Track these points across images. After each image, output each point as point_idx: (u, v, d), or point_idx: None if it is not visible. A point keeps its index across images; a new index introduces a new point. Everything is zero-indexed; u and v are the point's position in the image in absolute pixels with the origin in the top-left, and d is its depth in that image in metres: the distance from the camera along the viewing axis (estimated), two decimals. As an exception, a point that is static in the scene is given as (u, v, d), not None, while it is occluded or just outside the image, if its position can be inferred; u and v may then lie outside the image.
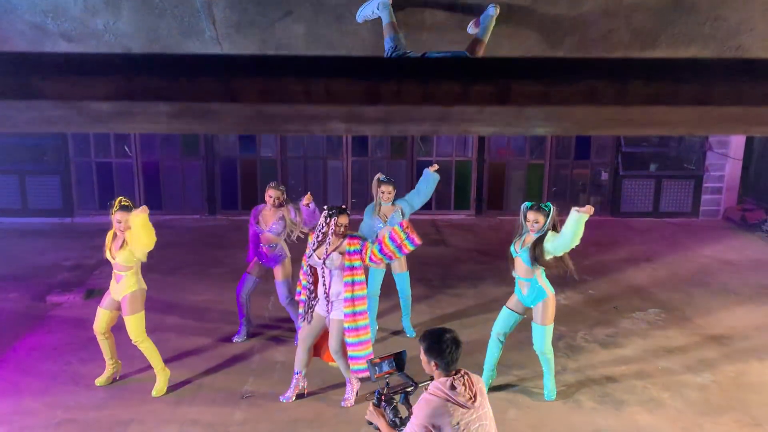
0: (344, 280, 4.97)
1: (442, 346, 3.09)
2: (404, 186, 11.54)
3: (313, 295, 5.12)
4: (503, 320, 5.37)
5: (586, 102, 1.49)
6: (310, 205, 5.89)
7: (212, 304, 7.33)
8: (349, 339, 5.03)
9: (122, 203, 5.13)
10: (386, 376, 3.38)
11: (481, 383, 3.20)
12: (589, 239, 10.32)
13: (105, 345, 5.49)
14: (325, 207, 5.05)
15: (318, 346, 5.35)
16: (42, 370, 5.78)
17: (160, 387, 5.41)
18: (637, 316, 7.22)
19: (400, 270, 6.39)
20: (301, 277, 5.21)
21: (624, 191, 11.82)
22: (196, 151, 11.42)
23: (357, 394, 5.31)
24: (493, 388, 5.52)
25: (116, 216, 5.11)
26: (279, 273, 6.18)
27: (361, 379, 5.23)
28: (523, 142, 11.79)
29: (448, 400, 3.03)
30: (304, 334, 5.24)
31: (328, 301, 5.07)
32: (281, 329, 6.66)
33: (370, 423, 3.38)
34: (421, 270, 6.47)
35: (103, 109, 1.51)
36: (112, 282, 5.33)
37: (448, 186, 11.67)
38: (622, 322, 7.06)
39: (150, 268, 6.69)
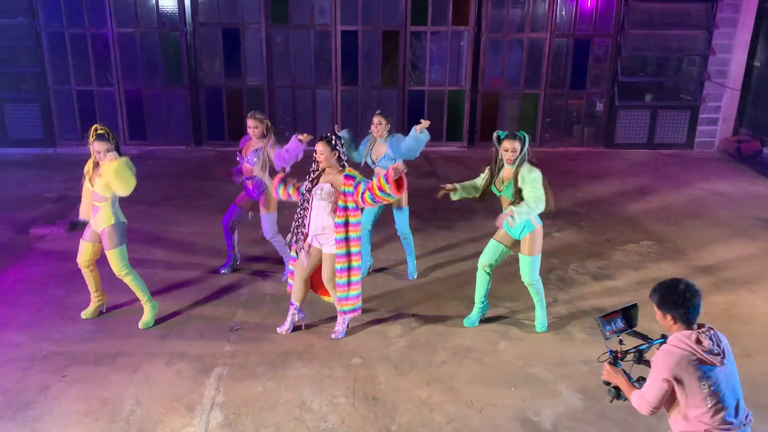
0: (336, 221, 4.85)
1: (677, 297, 2.84)
2: (395, 116, 11.30)
3: (302, 224, 4.99)
4: (490, 252, 5.27)
5: None
6: (303, 142, 5.62)
7: (199, 237, 7.20)
8: (339, 279, 4.96)
9: (98, 131, 4.90)
10: (618, 333, 3.12)
11: (726, 340, 2.92)
12: (582, 171, 10.28)
13: (90, 278, 5.38)
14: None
15: (313, 281, 5.26)
16: (27, 302, 5.68)
17: (147, 319, 5.33)
18: (629, 249, 7.17)
19: (398, 205, 6.04)
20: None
21: (619, 122, 11.62)
22: (180, 80, 11.04)
23: (348, 326, 5.26)
24: (483, 321, 5.49)
25: (94, 146, 4.90)
26: (263, 205, 6.00)
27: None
28: (517, 71, 11.47)
29: (694, 354, 2.78)
30: (298, 266, 5.13)
31: (304, 233, 4.97)
32: (270, 261, 6.56)
33: (607, 384, 3.15)
34: (412, 203, 6.33)
35: None
36: (90, 214, 5.17)
37: (440, 117, 11.41)
38: (615, 254, 7.02)
39: (135, 200, 6.54)
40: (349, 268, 4.96)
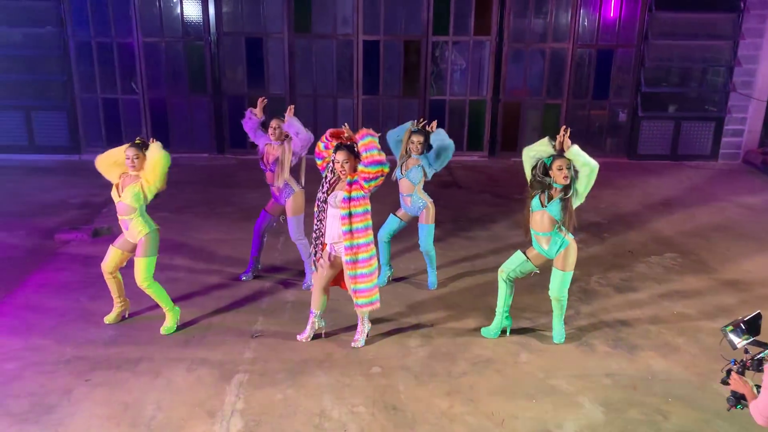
0: (342, 228, 4.82)
1: None
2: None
3: (320, 234, 5.00)
4: (514, 263, 5.22)
5: None
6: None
7: (220, 244, 7.25)
8: (354, 286, 4.96)
9: (136, 141, 5.11)
10: (744, 342, 3.08)
11: None
12: (605, 182, 10.18)
13: (112, 284, 5.44)
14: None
15: (338, 277, 5.25)
16: (51, 307, 5.76)
17: (169, 325, 5.38)
18: (652, 261, 7.08)
19: (425, 221, 5.99)
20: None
21: (642, 133, 11.51)
22: (204, 89, 11.17)
23: (367, 335, 5.25)
24: (504, 331, 5.44)
25: (128, 152, 5.05)
26: (289, 208, 6.04)
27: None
28: (539, 80, 11.43)
29: None
30: (317, 275, 5.14)
31: (321, 242, 4.96)
32: (291, 270, 6.58)
33: (734, 393, 3.10)
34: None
35: None
36: (123, 228, 5.26)
37: (461, 127, 11.41)
38: (638, 266, 6.94)
39: (158, 207, 6.60)
40: (355, 276, 4.92)
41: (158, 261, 5.34)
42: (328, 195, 4.88)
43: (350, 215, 4.79)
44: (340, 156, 4.76)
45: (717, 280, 6.62)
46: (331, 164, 4.85)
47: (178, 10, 10.84)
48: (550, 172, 4.91)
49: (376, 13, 10.94)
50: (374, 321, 5.49)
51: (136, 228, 5.16)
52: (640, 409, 4.49)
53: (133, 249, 5.27)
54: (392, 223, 6.19)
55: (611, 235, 7.87)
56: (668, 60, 11.33)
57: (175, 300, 5.58)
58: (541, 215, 5.00)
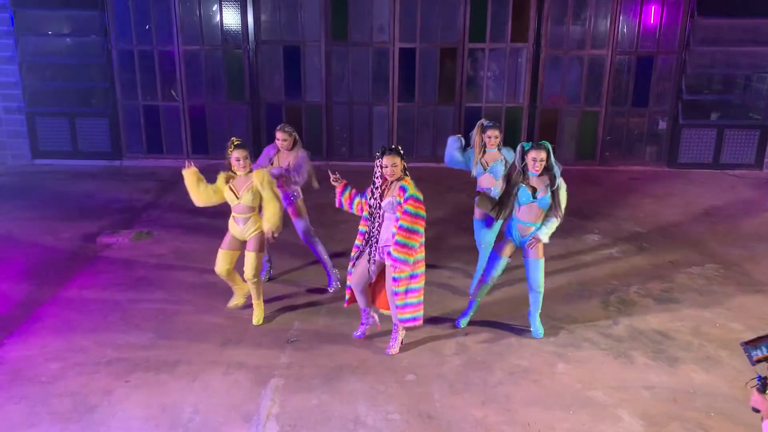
0: (393, 231, 4.83)
1: None
2: (451, 133, 11.27)
3: (375, 239, 4.99)
4: (501, 269, 5.38)
5: None
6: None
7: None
8: (396, 288, 4.93)
9: (236, 142, 5.34)
10: (762, 356, 3.00)
11: None
12: (644, 191, 10.01)
13: (229, 279, 5.72)
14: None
15: (374, 292, 5.27)
16: (93, 309, 5.89)
17: (258, 317, 5.65)
18: (693, 272, 6.92)
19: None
20: (361, 222, 5.11)
21: (683, 141, 11.28)
22: (242, 96, 11.31)
23: (402, 342, 5.24)
24: (541, 342, 5.39)
25: (234, 154, 5.27)
26: (295, 212, 6.22)
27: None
28: (577, 88, 11.30)
29: None
30: (355, 279, 5.15)
31: (376, 246, 4.97)
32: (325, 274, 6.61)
33: (756, 410, 3.07)
34: (467, 220, 6.30)
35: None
36: (232, 224, 5.49)
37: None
38: (678, 277, 6.79)
39: (197, 212, 6.72)
40: (409, 277, 4.92)
41: (196, 266, 5.44)
42: (382, 199, 4.88)
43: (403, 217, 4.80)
44: (387, 161, 4.77)
45: (761, 293, 6.43)
46: (379, 170, 4.85)
47: (218, 19, 11.03)
48: (526, 158, 5.04)
49: (413, 21, 10.96)
50: (408, 328, 5.47)
51: (253, 225, 5.39)
52: (681, 423, 4.38)
53: (240, 246, 5.52)
54: (479, 225, 6.18)
55: (651, 245, 7.72)
56: (710, 67, 11.09)
57: (213, 304, 5.66)
58: (529, 206, 5.12)
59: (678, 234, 8.11)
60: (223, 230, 7.70)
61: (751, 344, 3.02)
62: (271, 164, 6.16)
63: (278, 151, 6.16)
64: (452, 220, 8.21)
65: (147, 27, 10.94)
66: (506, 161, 5.93)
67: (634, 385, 4.83)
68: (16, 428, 4.23)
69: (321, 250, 6.28)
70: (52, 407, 4.43)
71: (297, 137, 6.15)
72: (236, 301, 5.85)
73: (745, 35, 10.82)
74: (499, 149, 6.02)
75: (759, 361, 3.01)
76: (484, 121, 6.08)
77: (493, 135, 5.96)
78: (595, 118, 11.35)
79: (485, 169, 6.02)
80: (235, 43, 11.12)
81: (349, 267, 5.17)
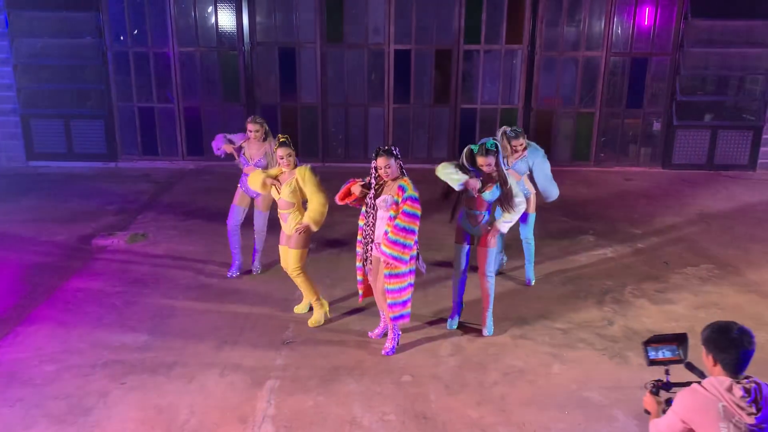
0: (386, 229, 4.89)
1: (728, 341, 2.59)
2: (446, 134, 11.32)
3: (371, 238, 5.04)
4: (466, 257, 5.49)
5: None
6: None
7: (251, 251, 7.30)
8: (390, 285, 4.95)
9: (281, 140, 5.37)
10: (666, 363, 2.94)
11: None
12: (639, 191, 10.05)
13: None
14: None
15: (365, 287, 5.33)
16: (88, 311, 5.88)
17: (317, 318, 5.61)
18: (688, 272, 6.95)
19: (529, 210, 6.28)
20: (360, 218, 5.15)
21: (677, 142, 11.33)
22: (237, 98, 11.32)
23: (398, 343, 5.25)
24: (537, 343, 5.40)
25: (278, 152, 5.35)
26: (260, 204, 6.41)
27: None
28: (572, 89, 11.34)
29: (721, 401, 2.55)
30: (372, 278, 5.20)
31: (372, 242, 5.03)
32: (324, 277, 6.61)
33: (647, 412, 3.01)
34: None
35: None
36: (281, 221, 5.56)
37: (492, 135, 11.29)
38: (673, 277, 6.82)
39: (193, 214, 6.73)
40: (401, 274, 4.94)
41: (191, 268, 5.43)
42: (376, 197, 4.94)
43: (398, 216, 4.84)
44: (381, 162, 4.83)
45: (756, 293, 6.47)
46: (374, 171, 4.92)
47: (213, 20, 11.03)
48: (477, 161, 5.19)
49: (408, 23, 10.99)
50: (405, 329, 5.49)
51: (293, 221, 5.43)
52: (676, 423, 4.40)
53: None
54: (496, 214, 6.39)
55: (646, 245, 7.75)
56: (704, 68, 11.14)
57: (209, 305, 5.66)
58: (476, 198, 5.27)
59: (672, 235, 8.14)
60: (219, 232, 7.72)
61: (650, 344, 2.97)
62: (238, 150, 6.36)
63: (248, 140, 6.36)
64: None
65: (135, 32, 10.94)
66: (527, 162, 6.18)
67: (630, 385, 4.84)
68: (11, 431, 4.22)
69: (261, 243, 6.55)
70: (48, 410, 4.42)
71: (268, 129, 6.37)
72: (300, 305, 5.92)
73: (739, 37, 10.88)
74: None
75: (654, 363, 2.96)
76: (507, 129, 6.27)
77: (518, 144, 6.17)
78: (590, 120, 11.39)
79: (509, 165, 6.22)
80: (231, 44, 11.12)
81: (357, 262, 5.21)
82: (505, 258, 6.79)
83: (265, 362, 5.07)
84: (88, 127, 11.30)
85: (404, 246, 4.82)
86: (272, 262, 6.77)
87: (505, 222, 5.30)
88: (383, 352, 5.20)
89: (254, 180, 5.56)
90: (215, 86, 11.38)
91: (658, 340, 2.99)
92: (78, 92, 11.22)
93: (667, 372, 2.96)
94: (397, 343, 5.25)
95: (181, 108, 11.32)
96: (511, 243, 6.93)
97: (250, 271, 6.72)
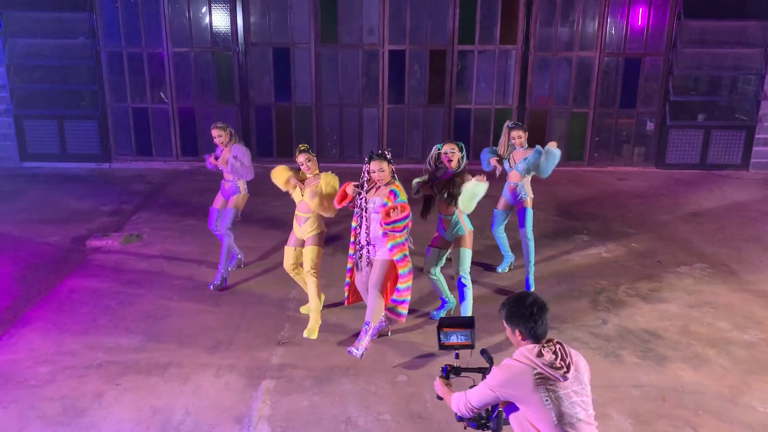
0: (381, 232, 4.97)
1: (524, 311, 2.75)
2: (440, 134, 11.33)
3: (358, 238, 5.12)
4: (435, 260, 5.57)
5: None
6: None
7: (248, 251, 7.29)
8: (402, 285, 5.02)
9: (301, 149, 5.41)
10: (455, 347, 3.04)
11: (579, 357, 2.78)
12: (632, 191, 10.08)
13: (299, 279, 5.75)
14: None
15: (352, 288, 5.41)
16: (82, 311, 5.86)
17: (311, 327, 5.50)
18: (682, 271, 6.98)
19: (528, 206, 6.44)
20: (353, 219, 5.21)
21: (670, 142, 11.38)
22: (231, 98, 11.30)
23: (366, 349, 5.11)
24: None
25: (298, 159, 5.38)
26: (232, 201, 6.42)
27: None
28: (566, 89, 11.38)
29: (535, 368, 2.65)
30: (360, 287, 5.29)
31: (368, 243, 5.08)
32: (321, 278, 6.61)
33: (440, 398, 3.13)
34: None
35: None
36: (295, 221, 5.56)
37: (486, 135, 11.38)
38: (666, 276, 6.85)
39: (188, 214, 6.71)
40: (402, 273, 5.01)
41: (186, 268, 5.42)
42: (367, 200, 5.01)
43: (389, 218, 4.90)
44: (375, 166, 4.92)
45: (748, 291, 6.50)
46: (366, 174, 4.99)
47: (207, 21, 11.01)
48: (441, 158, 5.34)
49: (402, 23, 11.00)
50: (400, 328, 5.50)
51: (309, 225, 5.46)
52: (669, 422, 4.42)
53: (302, 244, 5.56)
54: (499, 216, 6.67)
55: (639, 244, 7.78)
56: (697, 68, 11.19)
57: (203, 306, 5.65)
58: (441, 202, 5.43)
59: (666, 234, 8.18)
60: (212, 234, 7.72)
61: (444, 329, 3.02)
62: (216, 159, 6.42)
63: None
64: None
65: (126, 30, 10.91)
66: (530, 161, 6.26)
67: (623, 383, 4.87)
68: (5, 432, 4.21)
69: (229, 245, 6.39)
70: (42, 411, 4.41)
71: (233, 132, 6.39)
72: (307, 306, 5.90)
73: (732, 37, 10.93)
74: (526, 148, 6.38)
75: (445, 347, 3.03)
76: (509, 123, 6.47)
77: (516, 135, 6.35)
78: (584, 120, 11.42)
79: (511, 166, 6.39)
80: (225, 45, 11.10)
81: (348, 264, 5.28)
82: (512, 257, 6.88)
83: (261, 362, 5.07)
84: (82, 127, 11.27)
85: (397, 231, 4.94)
86: (267, 262, 6.77)
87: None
88: (348, 349, 5.13)
89: (279, 175, 5.54)
90: (209, 87, 11.36)
91: (450, 324, 3.04)
92: (71, 93, 11.19)
93: (456, 356, 3.08)
94: (366, 349, 5.12)
95: (176, 108, 11.30)
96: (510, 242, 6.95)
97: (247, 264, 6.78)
